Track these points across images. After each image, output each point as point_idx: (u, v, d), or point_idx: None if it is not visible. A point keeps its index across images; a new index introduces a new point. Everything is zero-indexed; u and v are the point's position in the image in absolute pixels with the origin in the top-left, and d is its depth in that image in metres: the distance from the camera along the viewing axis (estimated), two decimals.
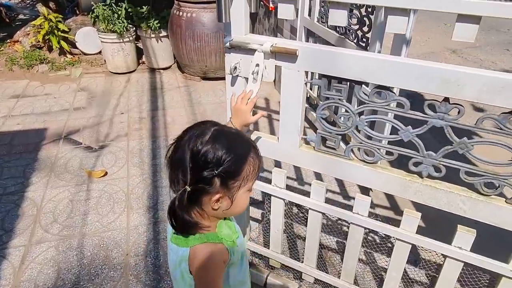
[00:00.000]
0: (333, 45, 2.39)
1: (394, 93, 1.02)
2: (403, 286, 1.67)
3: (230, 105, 1.17)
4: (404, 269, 1.32)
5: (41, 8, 4.05)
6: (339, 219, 1.53)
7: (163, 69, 4.16)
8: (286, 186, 1.42)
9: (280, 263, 1.68)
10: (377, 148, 1.13)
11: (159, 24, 3.83)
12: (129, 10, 3.85)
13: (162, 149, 2.69)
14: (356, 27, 2.25)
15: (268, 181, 1.45)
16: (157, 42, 3.96)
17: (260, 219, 2.07)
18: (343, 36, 2.37)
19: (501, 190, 0.97)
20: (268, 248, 1.65)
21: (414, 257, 1.77)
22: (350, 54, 1.03)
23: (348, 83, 1.08)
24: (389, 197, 2.22)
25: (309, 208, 1.42)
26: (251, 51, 1.15)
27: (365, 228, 1.31)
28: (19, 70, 3.98)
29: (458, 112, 0.94)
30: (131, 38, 3.93)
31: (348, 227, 1.36)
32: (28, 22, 4.65)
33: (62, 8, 4.50)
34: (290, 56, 1.10)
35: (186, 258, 0.83)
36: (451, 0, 0.86)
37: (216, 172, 0.77)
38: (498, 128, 0.91)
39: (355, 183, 1.86)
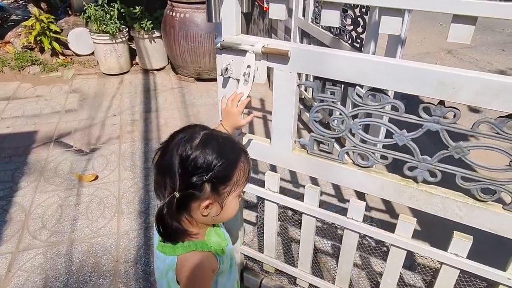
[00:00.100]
0: (327, 46, 2.37)
1: (388, 95, 0.99)
2: None
3: (221, 108, 1.14)
4: (400, 274, 1.29)
5: (32, 9, 3.99)
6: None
7: (157, 70, 4.11)
8: (281, 189, 1.39)
9: (274, 268, 1.65)
10: (372, 152, 1.10)
11: (152, 25, 3.79)
12: (122, 10, 3.80)
13: (154, 152, 2.64)
14: (351, 27, 2.22)
15: (262, 183, 1.42)
16: (151, 42, 3.91)
17: (255, 222, 2.04)
18: (337, 37, 2.35)
19: (498, 196, 0.95)
20: (262, 253, 1.62)
21: (410, 262, 1.74)
22: (343, 55, 1.00)
23: (342, 85, 1.05)
24: (385, 200, 2.19)
25: (303, 213, 1.39)
26: (243, 52, 1.12)
27: (360, 234, 1.28)
28: (10, 72, 3.91)
29: (454, 116, 0.91)
30: (124, 39, 3.89)
31: (343, 230, 1.33)
32: (20, 23, 4.58)
33: (55, 8, 4.45)
34: (282, 57, 1.08)
35: (174, 267, 0.81)
36: (446, 0, 0.83)
37: (206, 177, 0.75)
38: (495, 133, 0.88)
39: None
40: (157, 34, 3.87)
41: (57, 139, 2.79)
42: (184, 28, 3.47)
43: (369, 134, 1.15)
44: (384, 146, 1.08)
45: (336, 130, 1.13)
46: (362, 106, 1.04)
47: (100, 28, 3.72)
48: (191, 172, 0.75)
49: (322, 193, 2.18)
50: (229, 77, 1.21)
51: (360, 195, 2.09)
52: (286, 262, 1.69)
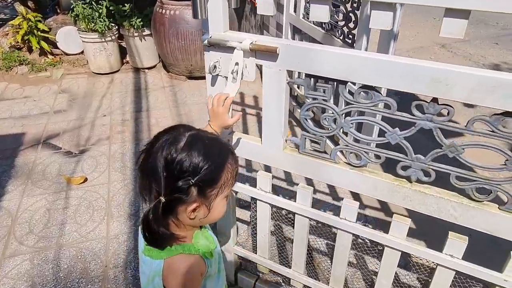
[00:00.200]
0: (319, 42, 2.34)
1: (380, 93, 0.96)
2: None
3: (208, 107, 1.10)
4: (396, 273, 1.26)
5: (19, 7, 3.90)
6: None
7: (148, 68, 4.05)
8: (274, 187, 1.36)
9: (268, 268, 1.62)
10: (365, 151, 1.07)
11: (142, 23, 3.72)
12: (111, 8, 3.73)
13: (138, 154, 2.60)
14: (342, 23, 2.19)
15: (256, 181, 1.38)
16: (141, 41, 3.85)
17: (249, 221, 2.01)
18: (329, 33, 2.31)
19: (494, 196, 0.92)
20: (256, 253, 1.59)
21: (405, 261, 1.72)
22: (332, 51, 0.96)
23: (334, 82, 1.01)
24: None
25: (295, 213, 1.36)
26: (231, 49, 1.08)
27: (353, 234, 1.25)
28: None
29: (448, 113, 0.88)
30: (113, 37, 3.82)
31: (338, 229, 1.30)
32: (8, 22, 4.48)
33: (43, 7, 4.35)
34: (270, 54, 1.04)
35: (160, 272, 0.78)
36: None
37: (192, 181, 0.72)
38: (490, 131, 0.85)
39: None
40: (147, 32, 3.81)
41: (45, 141, 2.73)
42: (174, 26, 3.41)
43: (363, 133, 1.12)
44: (377, 145, 1.05)
45: (328, 129, 1.09)
46: (353, 104, 1.01)
47: (88, 27, 3.65)
48: (176, 176, 0.72)
49: (316, 191, 2.15)
50: (217, 75, 1.18)
51: (355, 194, 2.06)
52: (281, 262, 1.66)
